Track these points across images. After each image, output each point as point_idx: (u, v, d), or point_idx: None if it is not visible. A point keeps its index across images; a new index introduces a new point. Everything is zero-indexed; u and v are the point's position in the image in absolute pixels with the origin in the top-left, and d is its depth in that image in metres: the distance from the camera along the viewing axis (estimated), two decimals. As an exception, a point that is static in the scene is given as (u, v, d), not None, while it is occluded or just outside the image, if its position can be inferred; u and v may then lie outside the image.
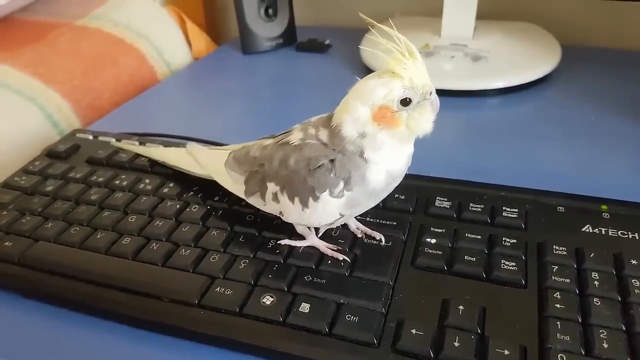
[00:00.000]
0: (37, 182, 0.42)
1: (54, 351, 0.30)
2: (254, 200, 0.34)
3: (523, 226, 0.35)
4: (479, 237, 0.34)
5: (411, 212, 0.36)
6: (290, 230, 0.34)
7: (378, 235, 0.34)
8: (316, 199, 0.30)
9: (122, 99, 0.64)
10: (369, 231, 0.34)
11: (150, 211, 0.37)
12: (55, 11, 0.73)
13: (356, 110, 0.29)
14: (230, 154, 0.35)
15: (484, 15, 0.65)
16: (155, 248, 0.34)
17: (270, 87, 0.66)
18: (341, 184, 0.29)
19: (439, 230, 0.34)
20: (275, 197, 0.32)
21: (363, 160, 0.29)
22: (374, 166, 0.29)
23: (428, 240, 0.34)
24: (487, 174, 0.41)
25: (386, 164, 0.29)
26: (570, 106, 0.55)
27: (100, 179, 0.41)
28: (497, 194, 0.37)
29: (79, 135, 0.48)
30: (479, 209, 0.36)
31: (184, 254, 0.33)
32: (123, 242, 0.35)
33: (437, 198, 0.37)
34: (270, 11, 0.74)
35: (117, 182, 0.41)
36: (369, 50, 0.54)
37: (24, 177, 0.42)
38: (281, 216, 0.33)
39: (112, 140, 0.46)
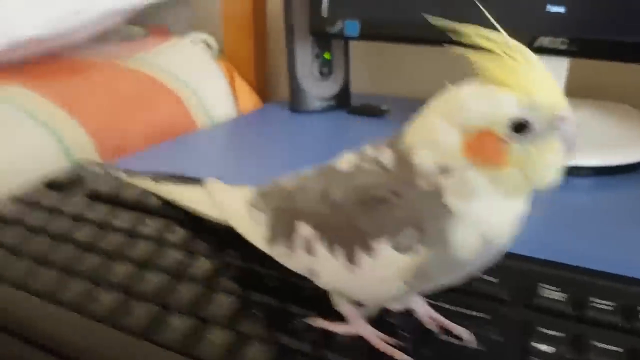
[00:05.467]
0: (20, 212, 0.33)
1: None
2: (278, 251, 0.24)
3: (676, 337, 0.23)
4: (615, 349, 0.22)
5: (507, 302, 0.25)
6: (329, 306, 0.24)
7: (465, 333, 0.23)
8: (370, 251, 0.20)
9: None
10: (448, 324, 0.23)
11: (143, 260, 0.28)
12: (104, 53, 0.70)
13: (439, 132, 0.19)
14: (256, 189, 0.26)
15: (570, 93, 0.56)
16: (138, 311, 0.24)
17: (318, 146, 0.58)
18: (411, 233, 0.19)
19: (554, 334, 0.23)
20: (307, 246, 0.22)
21: (443, 208, 0.19)
22: (462, 222, 0.19)
23: (538, 346, 0.22)
24: (598, 262, 0.30)
25: (481, 221, 0.19)
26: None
27: (95, 216, 0.32)
28: (627, 290, 0.26)
29: (87, 167, 0.40)
30: (608, 307, 0.24)
31: (174, 324, 0.23)
32: (99, 297, 0.25)
33: (543, 285, 0.26)
34: (324, 70, 0.68)
35: (115, 221, 0.32)
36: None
37: (8, 207, 0.34)
38: (313, 278, 0.22)
39: (123, 175, 0.37)
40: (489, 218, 0.19)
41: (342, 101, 0.70)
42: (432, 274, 0.20)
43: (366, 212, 0.20)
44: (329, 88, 0.69)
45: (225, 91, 0.72)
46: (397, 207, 0.19)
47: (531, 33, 0.49)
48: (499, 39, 0.18)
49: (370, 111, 0.68)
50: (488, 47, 0.18)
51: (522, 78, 0.18)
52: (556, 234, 0.37)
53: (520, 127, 0.18)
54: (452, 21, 0.18)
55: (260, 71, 0.82)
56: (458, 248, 0.19)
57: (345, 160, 0.22)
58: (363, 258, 0.20)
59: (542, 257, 0.29)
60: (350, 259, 0.20)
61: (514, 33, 0.54)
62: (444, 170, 0.19)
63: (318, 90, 0.68)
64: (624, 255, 0.34)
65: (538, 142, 0.18)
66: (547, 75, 0.18)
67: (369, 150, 0.22)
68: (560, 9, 0.49)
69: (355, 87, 0.72)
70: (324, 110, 0.69)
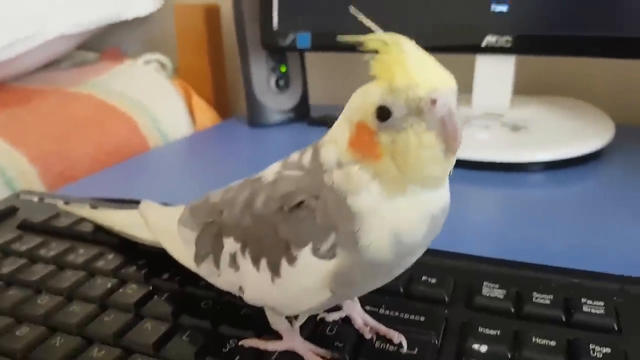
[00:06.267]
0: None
1: None
2: (206, 270, 0.23)
3: (615, 327, 0.23)
4: (552, 343, 0.22)
5: (447, 303, 0.25)
6: (265, 326, 0.23)
7: (397, 337, 0.22)
8: (292, 260, 0.19)
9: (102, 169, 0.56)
10: (383, 329, 0.23)
11: (69, 290, 0.27)
12: (55, 80, 0.68)
13: (338, 127, 0.19)
14: (187, 206, 0.25)
15: (521, 91, 0.56)
16: (57, 344, 0.23)
17: (277, 160, 0.57)
18: (332, 237, 0.18)
19: (492, 332, 0.22)
20: (233, 261, 0.21)
21: (348, 208, 0.18)
22: (369, 221, 0.18)
23: (475, 347, 0.22)
24: (544, 257, 0.29)
25: (388, 220, 0.18)
26: (637, 185, 0.43)
27: (23, 248, 0.31)
28: (568, 281, 0.26)
29: (23, 197, 0.38)
30: (547, 302, 0.24)
31: (95, 356, 0.22)
32: (17, 332, 0.24)
33: (485, 284, 0.25)
34: (281, 82, 0.68)
35: (43, 251, 0.30)
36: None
37: None
38: (242, 295, 0.21)
39: (60, 203, 0.36)
40: (395, 216, 0.18)
41: (302, 113, 0.69)
42: (354, 279, 0.19)
43: (286, 220, 0.19)
44: (288, 101, 0.68)
45: (181, 109, 0.70)
46: (315, 211, 0.19)
47: (478, 33, 0.49)
48: (381, 38, 0.17)
49: (331, 122, 0.66)
50: (375, 47, 0.17)
51: (391, 68, 0.17)
52: (506, 231, 0.36)
53: (383, 114, 0.17)
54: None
55: (219, 88, 0.81)
56: (370, 249, 0.18)
57: (270, 170, 0.22)
58: (286, 268, 0.19)
59: (491, 254, 0.29)
60: (274, 270, 0.19)
61: (462, 33, 0.54)
62: (340, 165, 0.18)
63: (276, 103, 0.68)
64: (574, 248, 0.33)
65: (405, 129, 0.17)
66: (421, 61, 0.17)
67: (293, 156, 0.21)
68: (504, 8, 0.49)
69: (314, 99, 0.71)
70: (284, 123, 0.68)
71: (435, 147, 0.17)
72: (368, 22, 0.18)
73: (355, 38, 0.17)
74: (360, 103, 0.18)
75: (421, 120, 0.17)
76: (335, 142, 0.19)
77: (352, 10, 0.18)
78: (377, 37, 0.17)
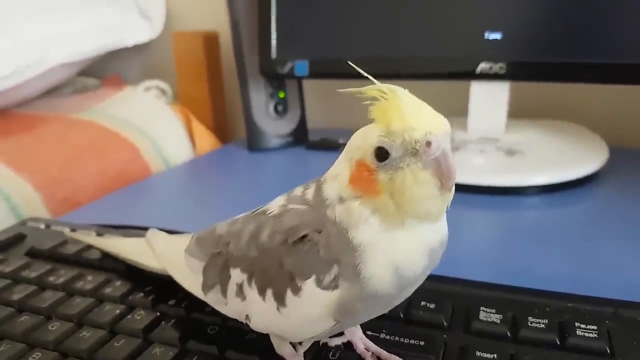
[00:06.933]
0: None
1: None
2: (213, 298, 0.24)
3: (608, 350, 0.24)
4: (547, 366, 0.22)
5: (445, 328, 0.26)
6: (270, 351, 0.24)
7: (395, 361, 0.23)
8: (297, 291, 0.20)
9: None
10: (384, 354, 0.24)
11: (79, 317, 0.27)
12: (57, 106, 0.70)
13: (339, 165, 0.21)
14: (193, 236, 0.26)
15: (516, 115, 0.58)
16: (70, 371, 0.24)
17: (278, 183, 0.59)
18: (334, 269, 0.19)
19: (489, 356, 0.23)
20: (240, 291, 0.22)
21: (349, 242, 0.19)
22: (371, 255, 0.19)
23: (472, 370, 0.22)
24: (539, 280, 0.30)
25: (388, 253, 0.19)
26: (632, 207, 0.45)
27: (33, 275, 0.31)
28: (563, 305, 0.27)
29: (30, 224, 0.39)
30: (542, 326, 0.25)
31: (106, 382, 0.23)
32: (29, 358, 0.24)
33: (482, 309, 0.26)
34: (280, 108, 0.69)
35: (52, 278, 0.31)
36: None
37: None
38: (248, 322, 0.22)
39: (66, 230, 0.37)
40: (395, 249, 0.19)
41: (300, 137, 0.70)
42: (356, 309, 0.20)
43: (291, 253, 0.20)
44: (286, 125, 0.70)
45: (181, 135, 0.72)
46: (318, 244, 0.20)
47: (473, 60, 0.51)
48: (380, 88, 0.19)
49: (328, 145, 0.68)
50: (374, 95, 0.19)
51: (388, 113, 0.18)
52: (502, 255, 0.37)
53: (381, 154, 0.18)
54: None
55: (218, 113, 0.82)
56: (371, 281, 0.19)
57: (275, 204, 0.23)
58: (291, 298, 0.20)
59: (487, 278, 0.30)
60: (280, 300, 0.20)
61: (457, 61, 0.55)
62: (341, 200, 0.20)
63: (275, 128, 0.69)
64: (568, 271, 0.34)
65: (402, 168, 0.18)
66: (415, 107, 0.18)
67: (297, 190, 0.22)
68: (497, 36, 0.50)
69: (312, 123, 0.73)
70: (282, 147, 0.69)
71: (431, 184, 0.18)
72: (366, 74, 0.19)
73: (355, 89, 0.19)
74: (360, 143, 0.19)
75: (417, 160, 0.18)
76: (336, 178, 0.20)
77: (350, 64, 0.20)
78: (375, 87, 0.19)
